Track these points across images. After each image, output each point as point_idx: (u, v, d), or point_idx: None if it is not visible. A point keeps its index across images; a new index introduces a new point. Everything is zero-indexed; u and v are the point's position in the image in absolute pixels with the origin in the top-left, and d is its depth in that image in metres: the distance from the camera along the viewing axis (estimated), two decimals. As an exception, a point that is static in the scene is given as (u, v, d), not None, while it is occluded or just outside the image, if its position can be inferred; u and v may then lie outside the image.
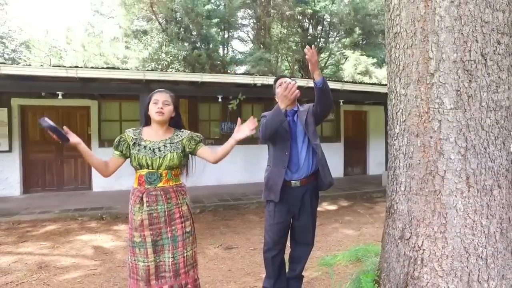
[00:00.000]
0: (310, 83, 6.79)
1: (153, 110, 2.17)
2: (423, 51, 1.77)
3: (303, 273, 2.86)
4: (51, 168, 7.73)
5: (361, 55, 14.14)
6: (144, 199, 2.08)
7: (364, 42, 16.17)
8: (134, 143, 2.16)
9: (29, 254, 3.98)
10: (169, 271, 2.10)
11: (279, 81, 2.61)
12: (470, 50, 1.71)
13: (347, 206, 6.54)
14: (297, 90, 2.43)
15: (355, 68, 14.10)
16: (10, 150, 7.30)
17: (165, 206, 2.10)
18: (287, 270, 2.77)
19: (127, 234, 2.18)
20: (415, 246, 1.83)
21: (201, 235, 4.68)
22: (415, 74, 1.81)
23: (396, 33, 1.92)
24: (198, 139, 2.27)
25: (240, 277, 3.26)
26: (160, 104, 2.16)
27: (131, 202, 2.14)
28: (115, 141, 2.20)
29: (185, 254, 2.15)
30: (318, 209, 6.21)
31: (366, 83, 9.24)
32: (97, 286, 3.10)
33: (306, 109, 2.60)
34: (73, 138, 1.94)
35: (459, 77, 1.72)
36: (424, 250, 1.79)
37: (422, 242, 1.79)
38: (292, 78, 2.68)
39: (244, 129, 2.08)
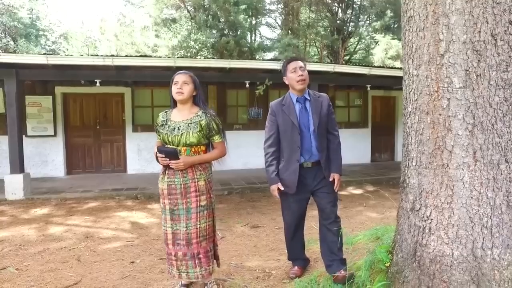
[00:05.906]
0: (337, 68, 6.83)
1: (174, 91, 2.37)
2: (434, 33, 1.86)
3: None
4: (90, 152, 8.30)
5: (392, 39, 13.70)
6: (166, 171, 2.36)
7: (395, 26, 15.63)
8: (162, 124, 2.41)
9: (76, 226, 4.43)
10: (183, 239, 2.32)
11: (291, 65, 2.57)
12: (480, 31, 1.78)
13: (373, 191, 6.56)
14: (307, 77, 2.56)
15: (385, 53, 13.70)
16: (55, 135, 7.90)
17: (181, 180, 2.32)
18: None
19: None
20: (423, 216, 1.96)
21: (229, 214, 4.94)
22: (426, 56, 1.91)
23: (409, 17, 2.02)
24: (216, 129, 2.40)
25: (264, 252, 3.46)
26: (179, 85, 2.35)
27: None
28: (155, 128, 2.49)
29: (198, 226, 2.33)
30: (343, 192, 6.29)
31: (394, 68, 9.04)
32: (135, 254, 3.43)
33: (320, 99, 2.62)
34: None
35: (468, 57, 1.80)
36: (431, 219, 1.91)
37: (430, 212, 1.92)
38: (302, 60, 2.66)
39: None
